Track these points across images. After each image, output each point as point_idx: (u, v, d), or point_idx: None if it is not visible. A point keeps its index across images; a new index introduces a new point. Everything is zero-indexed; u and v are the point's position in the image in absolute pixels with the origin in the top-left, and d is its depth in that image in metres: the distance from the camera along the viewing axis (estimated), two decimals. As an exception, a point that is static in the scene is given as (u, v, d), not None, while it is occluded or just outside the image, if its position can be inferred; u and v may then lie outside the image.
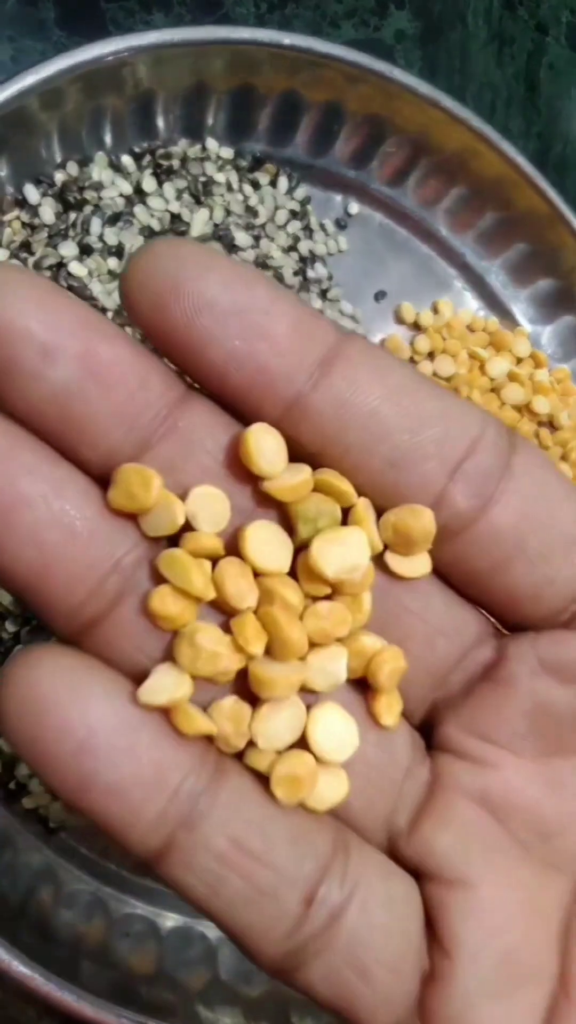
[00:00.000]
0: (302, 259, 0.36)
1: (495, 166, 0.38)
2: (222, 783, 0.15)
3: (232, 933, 0.16)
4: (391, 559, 0.17)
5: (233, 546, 0.16)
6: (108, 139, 0.35)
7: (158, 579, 0.16)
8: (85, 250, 0.33)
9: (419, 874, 0.17)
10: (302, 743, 0.16)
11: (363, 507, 0.16)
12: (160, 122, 0.36)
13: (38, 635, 0.31)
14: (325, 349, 0.15)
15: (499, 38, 0.42)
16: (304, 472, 0.16)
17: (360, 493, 0.16)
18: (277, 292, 0.15)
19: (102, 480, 0.16)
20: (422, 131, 0.38)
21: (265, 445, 0.16)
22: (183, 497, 0.16)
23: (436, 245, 0.40)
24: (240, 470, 0.16)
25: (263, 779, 0.16)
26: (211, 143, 0.36)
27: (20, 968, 0.27)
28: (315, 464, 0.16)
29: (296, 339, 0.15)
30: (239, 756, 0.16)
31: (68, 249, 0.32)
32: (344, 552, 0.16)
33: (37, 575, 0.15)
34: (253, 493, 0.16)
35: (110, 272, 0.33)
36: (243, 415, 0.16)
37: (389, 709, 0.17)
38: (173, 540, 0.16)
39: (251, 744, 0.16)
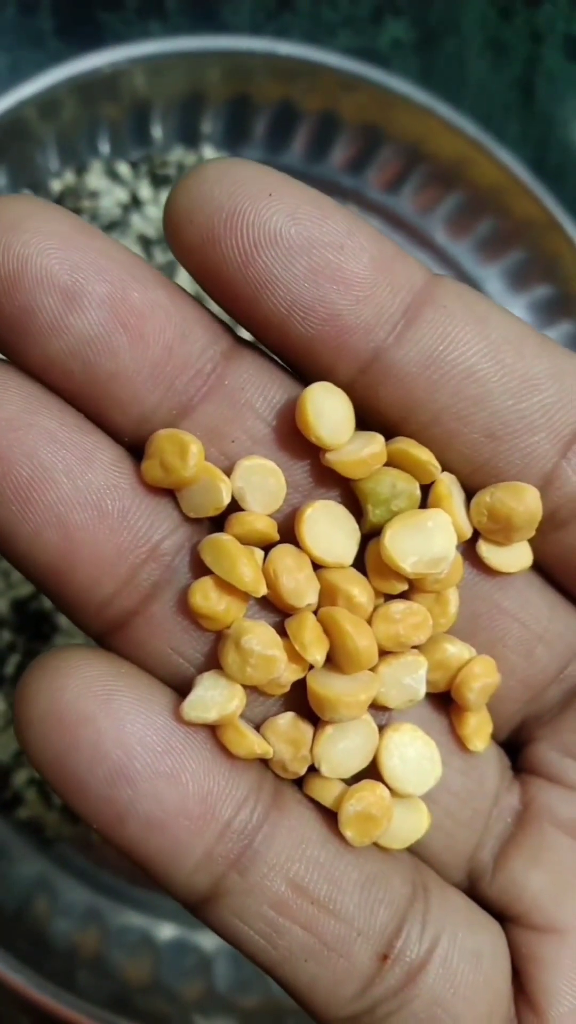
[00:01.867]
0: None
1: (492, 174, 0.38)
2: (281, 816, 0.13)
3: (292, 990, 0.14)
4: (484, 549, 0.14)
5: (289, 531, 0.13)
6: (105, 148, 0.35)
7: (200, 569, 0.13)
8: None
9: (504, 917, 0.15)
10: (373, 769, 0.14)
11: (448, 484, 0.13)
12: (156, 131, 0.36)
13: (39, 644, 0.31)
14: (411, 293, 0.13)
15: (495, 46, 0.42)
16: (376, 442, 0.13)
17: (446, 469, 0.14)
18: (354, 223, 0.13)
19: (136, 449, 0.13)
20: (418, 139, 0.38)
21: (327, 409, 0.13)
22: (229, 471, 0.13)
23: (433, 252, 0.40)
24: (298, 439, 0.13)
25: (328, 811, 0.14)
26: (207, 151, 0.36)
27: (16, 977, 0.27)
28: (391, 434, 0.13)
29: (377, 281, 0.13)
30: (298, 782, 0.14)
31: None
32: (425, 540, 0.13)
33: (60, 562, 0.13)
34: (313, 467, 0.14)
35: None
36: (309, 375, 0.13)
37: (479, 732, 0.14)
38: (218, 522, 0.14)
39: (312, 770, 0.14)
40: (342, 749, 0.13)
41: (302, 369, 0.13)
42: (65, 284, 0.12)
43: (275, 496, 0.13)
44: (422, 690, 0.14)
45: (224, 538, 0.13)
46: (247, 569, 0.13)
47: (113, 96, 0.34)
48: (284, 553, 0.13)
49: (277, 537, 0.13)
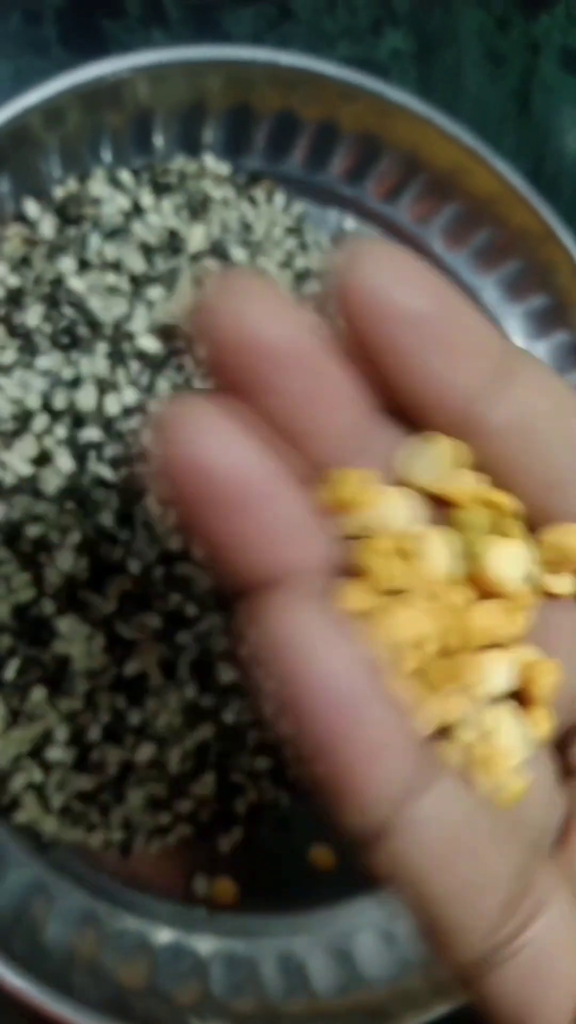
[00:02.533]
0: (297, 275, 0.37)
1: (488, 183, 0.38)
2: (436, 764, 0.15)
3: (436, 929, 0.15)
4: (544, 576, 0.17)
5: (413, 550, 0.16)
6: (107, 155, 0.35)
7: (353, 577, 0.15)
8: (83, 265, 0.33)
9: None
10: (487, 741, 0.16)
11: (520, 521, 0.17)
12: (158, 139, 0.36)
13: (38, 650, 0.31)
14: (495, 362, 0.15)
15: (492, 57, 0.43)
16: (473, 479, 0.16)
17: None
18: (456, 301, 0.15)
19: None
20: (416, 148, 0.38)
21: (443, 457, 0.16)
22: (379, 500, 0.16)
23: (430, 262, 0.40)
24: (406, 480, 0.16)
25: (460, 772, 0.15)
26: (208, 160, 0.37)
27: (13, 980, 0.27)
28: None
29: (471, 350, 0.15)
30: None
31: (67, 264, 0.33)
32: (516, 560, 0.16)
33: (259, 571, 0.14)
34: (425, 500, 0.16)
35: (108, 287, 0.33)
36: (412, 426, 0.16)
37: (545, 721, 0.16)
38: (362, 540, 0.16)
39: (445, 735, 0.16)
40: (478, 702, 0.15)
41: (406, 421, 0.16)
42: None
43: (411, 520, 0.16)
44: (513, 680, 0.16)
45: (377, 541, 0.15)
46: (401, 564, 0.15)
47: (116, 104, 0.34)
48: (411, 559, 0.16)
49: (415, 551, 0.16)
